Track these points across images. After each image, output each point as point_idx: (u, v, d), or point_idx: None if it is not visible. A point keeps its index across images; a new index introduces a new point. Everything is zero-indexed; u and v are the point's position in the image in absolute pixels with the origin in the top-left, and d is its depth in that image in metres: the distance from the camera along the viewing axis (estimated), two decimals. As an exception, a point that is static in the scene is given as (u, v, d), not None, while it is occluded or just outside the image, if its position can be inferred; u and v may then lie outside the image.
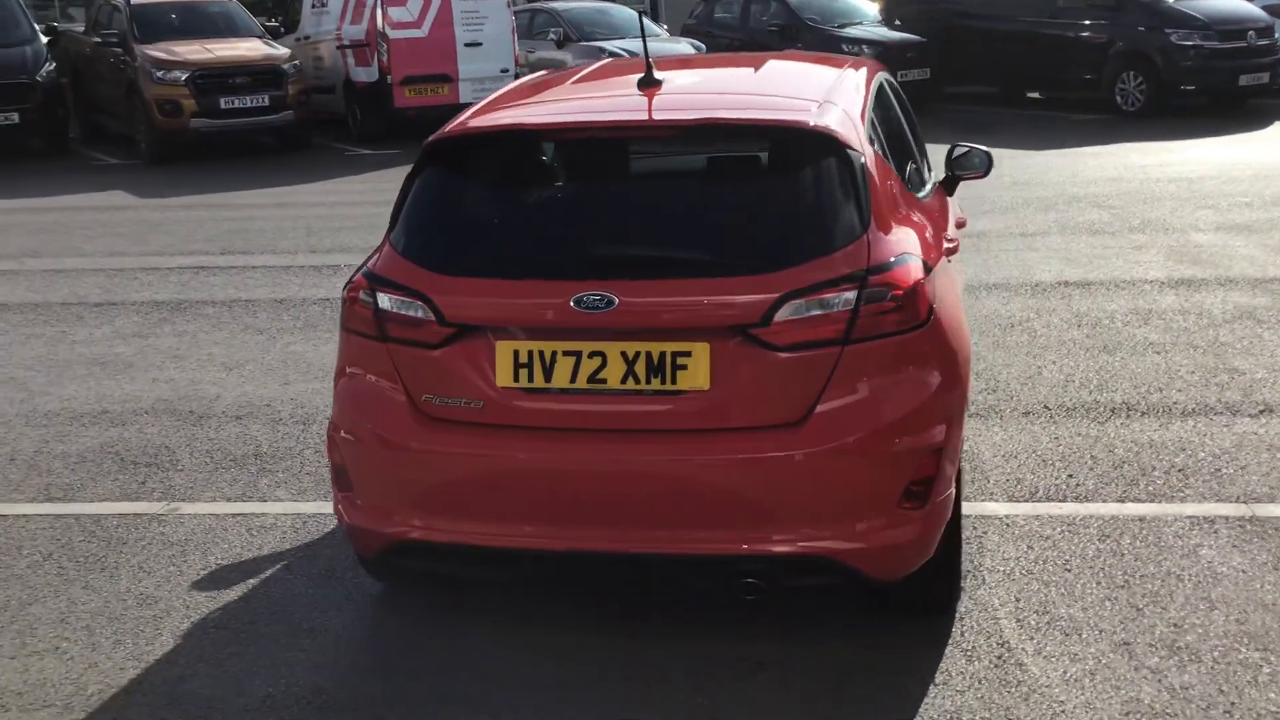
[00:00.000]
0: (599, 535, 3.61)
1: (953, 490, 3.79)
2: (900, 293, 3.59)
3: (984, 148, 5.87)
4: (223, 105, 15.10)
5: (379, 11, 15.81)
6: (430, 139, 3.89)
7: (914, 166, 4.80)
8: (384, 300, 3.75)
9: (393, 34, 15.87)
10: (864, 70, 4.66)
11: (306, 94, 15.96)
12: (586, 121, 3.94)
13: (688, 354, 3.54)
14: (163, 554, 4.78)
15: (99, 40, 16.15)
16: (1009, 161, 13.73)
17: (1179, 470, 5.27)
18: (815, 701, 3.66)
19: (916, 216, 4.11)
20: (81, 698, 3.78)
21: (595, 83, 4.47)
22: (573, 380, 3.60)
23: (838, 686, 3.72)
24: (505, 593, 4.29)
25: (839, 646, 3.94)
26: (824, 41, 17.81)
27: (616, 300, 3.51)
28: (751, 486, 3.53)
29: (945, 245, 4.27)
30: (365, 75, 16.22)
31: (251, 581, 4.53)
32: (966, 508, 4.94)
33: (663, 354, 3.55)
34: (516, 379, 3.63)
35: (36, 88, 15.68)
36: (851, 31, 17.97)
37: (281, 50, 16.03)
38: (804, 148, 3.74)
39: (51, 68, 16.09)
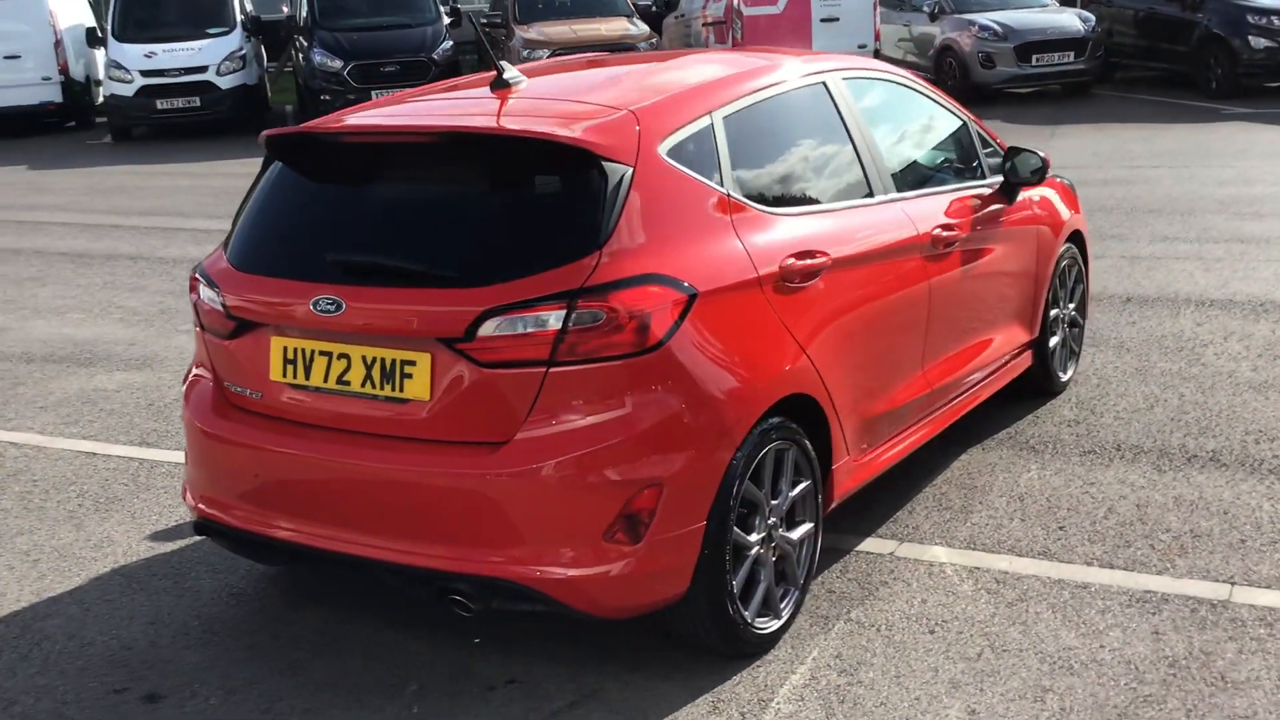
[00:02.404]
0: (335, 536, 3.68)
1: (697, 528, 3.53)
2: (619, 316, 3.39)
3: (1039, 153, 5.30)
4: (577, 81, 15.86)
5: (737, -11, 16.00)
6: (261, 135, 4.08)
7: (833, 175, 4.40)
8: (201, 291, 4.01)
9: (747, 11, 16.01)
10: (771, 75, 4.32)
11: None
12: (360, 126, 3.98)
13: (413, 363, 3.55)
14: (163, 503, 5.31)
15: (485, 21, 17.45)
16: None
17: (1194, 536, 4.52)
18: (515, 727, 3.56)
19: (742, 234, 3.79)
20: (-35, 621, 4.35)
21: (461, 89, 4.46)
22: (325, 380, 3.69)
23: (553, 714, 3.59)
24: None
25: (600, 673, 3.78)
26: (1224, 10, 16.01)
27: (344, 304, 3.57)
28: (456, 504, 3.49)
29: (796, 264, 3.91)
30: (722, 52, 16.45)
31: (197, 539, 4.94)
32: (905, 549, 4.55)
33: (394, 361, 3.58)
34: (285, 374, 3.77)
35: (432, 65, 17.20)
36: (1263, 0, 16.00)
37: (640, 30, 16.62)
38: (554, 160, 3.60)
39: (448, 46, 17.57)
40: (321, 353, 3.70)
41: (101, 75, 19.22)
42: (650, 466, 3.44)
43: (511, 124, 3.73)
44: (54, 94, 19.43)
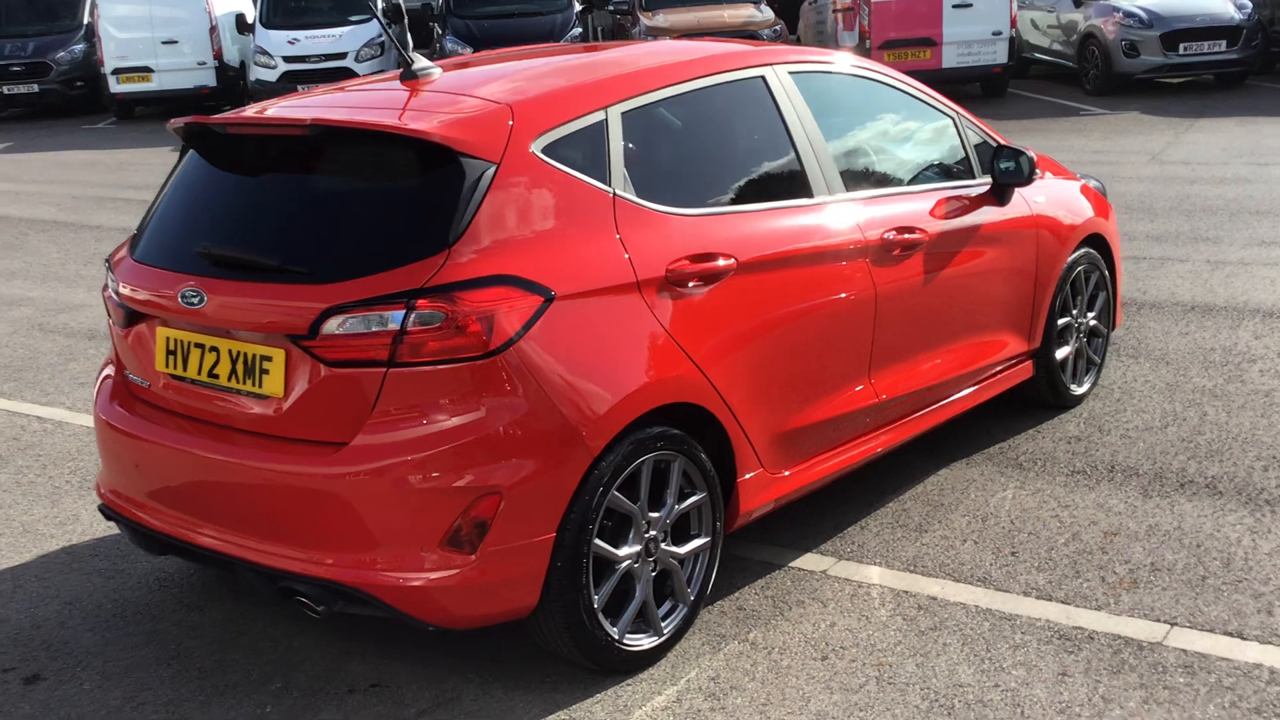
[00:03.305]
0: (202, 530, 3.66)
1: (545, 539, 3.40)
2: (460, 317, 3.28)
3: (1028, 151, 4.97)
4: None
5: (863, -26, 15.57)
6: (170, 123, 4.08)
7: (758, 173, 4.19)
8: (108, 280, 4.05)
9: (876, -5, 15.54)
10: (698, 69, 4.12)
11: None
12: (245, 117, 3.92)
13: (270, 359, 3.51)
14: (143, 484, 5.41)
15: (612, 9, 17.42)
16: None
17: (1153, 570, 4.18)
18: (357, 733, 3.50)
19: (626, 235, 3.63)
20: (-94, 592, 4.50)
21: (382, 81, 4.37)
22: (199, 372, 3.69)
23: (397, 724, 3.52)
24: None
25: (464, 681, 3.69)
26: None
27: (206, 296, 3.55)
28: (300, 504, 3.44)
29: (689, 267, 3.73)
30: (848, 40, 16.06)
31: (157, 520, 5.02)
32: (840, 567, 4.33)
33: (254, 356, 3.55)
34: (168, 365, 3.78)
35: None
36: None
37: (765, 15, 16.36)
38: (415, 156, 3.50)
39: (576, 33, 17.60)
40: (196, 345, 3.69)
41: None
42: (489, 474, 3.33)
43: (383, 118, 3.64)
44: (208, 78, 20.17)
